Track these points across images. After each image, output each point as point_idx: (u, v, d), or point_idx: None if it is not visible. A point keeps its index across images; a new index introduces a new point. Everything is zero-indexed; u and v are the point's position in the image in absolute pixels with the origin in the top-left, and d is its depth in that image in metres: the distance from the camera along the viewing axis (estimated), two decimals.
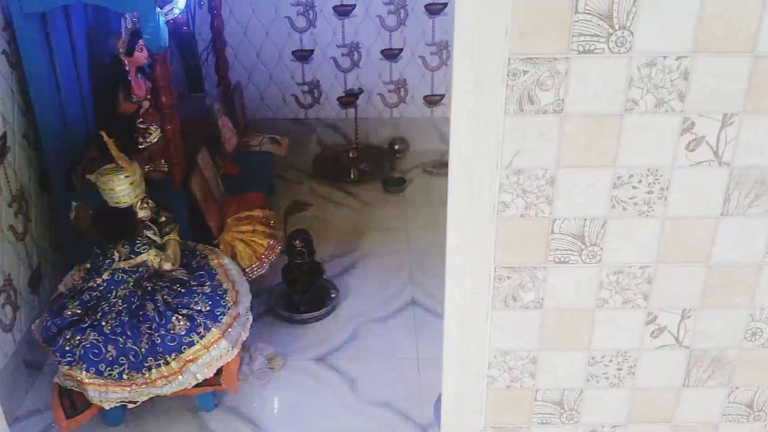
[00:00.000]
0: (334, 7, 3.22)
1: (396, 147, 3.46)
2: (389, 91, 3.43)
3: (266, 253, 2.47)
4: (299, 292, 2.52)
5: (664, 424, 1.40)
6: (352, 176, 3.31)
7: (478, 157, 1.18)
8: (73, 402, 2.01)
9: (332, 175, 3.33)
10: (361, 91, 3.33)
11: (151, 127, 2.51)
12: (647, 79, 1.12)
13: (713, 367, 1.35)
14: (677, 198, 1.20)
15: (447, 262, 1.31)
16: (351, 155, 3.38)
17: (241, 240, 2.46)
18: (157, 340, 1.98)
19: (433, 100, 3.46)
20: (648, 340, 1.33)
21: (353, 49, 3.32)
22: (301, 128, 3.47)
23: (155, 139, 2.52)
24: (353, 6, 3.22)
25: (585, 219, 1.22)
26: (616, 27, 1.08)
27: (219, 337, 2.03)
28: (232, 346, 2.05)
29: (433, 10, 3.24)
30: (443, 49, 3.33)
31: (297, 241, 2.49)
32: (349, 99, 3.37)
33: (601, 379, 1.37)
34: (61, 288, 2.17)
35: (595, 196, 1.20)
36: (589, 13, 1.07)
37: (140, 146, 2.51)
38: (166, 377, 1.99)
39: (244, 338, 2.12)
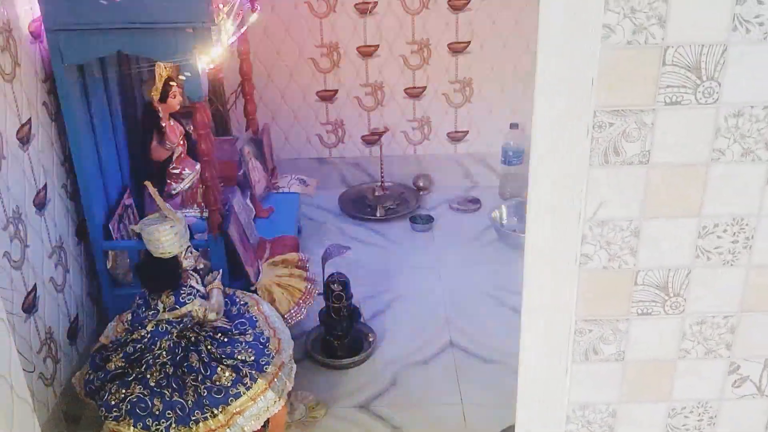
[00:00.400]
0: (358, 48, 3.24)
1: (420, 184, 3.45)
2: (413, 129, 3.44)
3: (304, 297, 2.43)
4: (338, 338, 2.48)
5: None
6: (378, 214, 3.30)
7: (560, 209, 1.16)
8: None
9: (358, 214, 3.32)
10: (385, 129, 3.33)
11: (184, 172, 2.50)
12: (734, 129, 1.10)
13: None
14: (762, 246, 1.18)
15: (523, 317, 1.28)
16: (376, 193, 3.37)
17: (278, 285, 2.42)
18: (203, 392, 1.94)
19: (457, 137, 3.46)
20: (729, 390, 1.30)
21: (377, 88, 3.33)
22: (325, 167, 3.47)
23: (188, 185, 2.51)
24: (377, 46, 3.23)
25: (669, 269, 1.20)
26: (704, 78, 1.07)
27: (266, 388, 1.98)
28: (279, 397, 2.00)
29: (456, 49, 3.26)
30: (466, 86, 3.34)
31: (335, 285, 2.46)
32: (374, 137, 3.37)
33: (681, 430, 1.34)
34: (103, 340, 2.13)
35: (680, 246, 1.18)
36: (677, 65, 1.06)
37: (173, 191, 2.50)
38: (213, 431, 1.93)
39: (290, 388, 2.07)
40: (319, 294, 2.49)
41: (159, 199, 2.03)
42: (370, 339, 2.55)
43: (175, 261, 2.01)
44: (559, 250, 1.19)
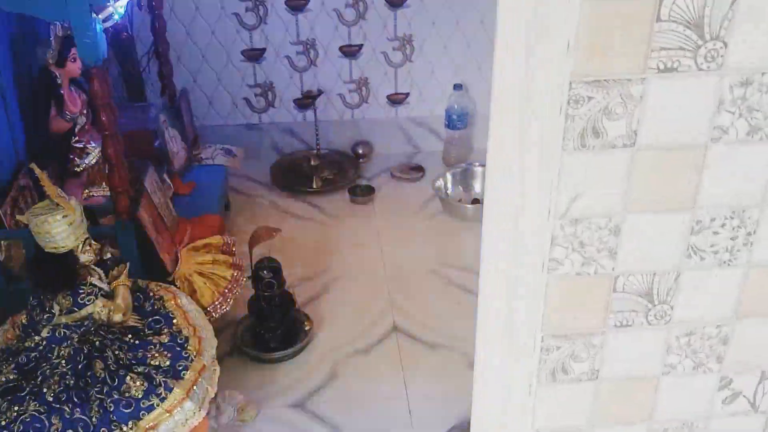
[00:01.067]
0: (287, 2, 2.92)
1: (360, 151, 3.19)
2: (350, 91, 3.15)
3: (230, 287, 2.15)
4: (270, 329, 2.23)
5: None
6: (314, 186, 3.03)
7: (524, 206, 0.92)
8: None
9: (292, 185, 3.04)
10: (320, 92, 3.04)
11: (89, 146, 2.18)
12: (740, 101, 0.88)
13: None
14: (766, 242, 0.97)
15: (478, 333, 1.06)
16: (312, 162, 3.09)
17: (200, 273, 2.14)
18: (110, 406, 1.66)
19: (398, 99, 3.19)
20: (719, 407, 1.10)
21: (309, 46, 3.03)
22: (254, 134, 3.16)
23: (94, 160, 2.19)
24: (307, 0, 2.93)
25: (655, 273, 0.98)
26: (707, 37, 0.84)
27: (183, 398, 1.71)
28: (199, 407, 1.73)
29: (394, 3, 2.97)
30: (406, 44, 3.06)
31: (265, 272, 2.19)
32: (307, 101, 3.08)
33: None
34: None
35: (668, 245, 0.96)
36: (674, 22, 0.82)
37: (77, 168, 2.18)
38: None
39: (212, 395, 1.79)
40: (248, 278, 2.23)
41: (48, 184, 1.71)
42: (306, 328, 2.30)
43: (70, 256, 1.71)
44: (522, 254, 0.95)
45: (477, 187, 2.96)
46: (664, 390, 1.08)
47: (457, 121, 3.08)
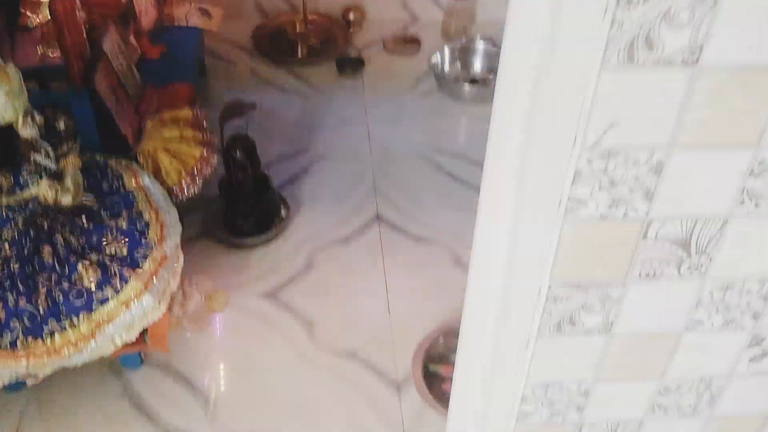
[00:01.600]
0: None
1: (351, 17, 2.88)
2: None
3: (199, 166, 1.95)
4: (242, 214, 2.05)
5: None
6: (299, 54, 2.76)
7: (544, 129, 0.71)
8: None
9: (275, 53, 2.76)
10: None
11: None
12: None
13: None
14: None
15: (472, 273, 0.87)
16: (298, 28, 2.80)
17: (166, 150, 1.92)
18: (59, 297, 1.51)
19: None
20: (745, 365, 0.94)
21: None
22: None
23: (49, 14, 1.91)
24: None
25: (697, 220, 0.79)
26: None
27: (141, 291, 1.56)
28: (159, 301, 1.59)
29: None
30: None
31: (237, 152, 1.98)
32: None
33: (672, 409, 0.99)
34: None
35: (719, 188, 0.76)
36: None
37: (30, 25, 1.89)
38: (74, 345, 1.53)
39: (174, 288, 1.65)
40: (218, 153, 2.02)
41: None
42: (282, 213, 2.12)
43: (8, 131, 1.49)
44: (536, 189, 0.75)
45: (477, 65, 2.71)
46: (684, 346, 0.91)
47: None
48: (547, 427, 0.99)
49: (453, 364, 1.62)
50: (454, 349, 1.67)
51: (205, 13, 2.42)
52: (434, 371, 1.75)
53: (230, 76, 2.66)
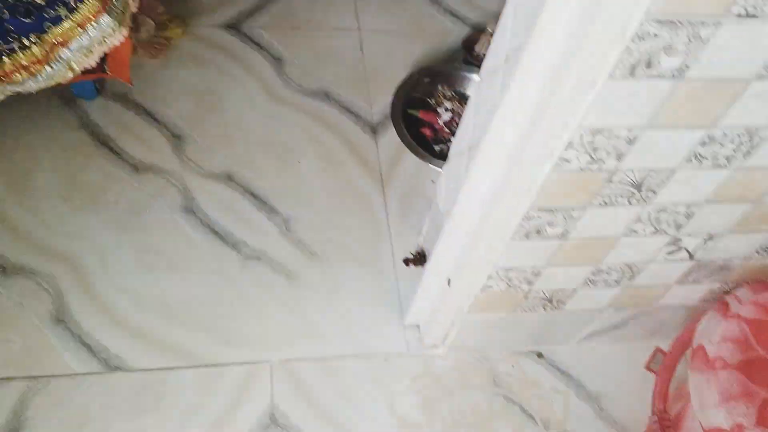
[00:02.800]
0: None
1: None
2: None
3: None
4: None
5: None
6: None
7: (548, 109, 0.87)
8: None
9: None
10: None
11: None
12: None
13: (716, 272, 1.31)
14: (764, 153, 1.00)
15: (464, 193, 1.08)
16: None
17: None
18: (4, 13, 1.47)
19: None
20: (662, 256, 1.24)
21: None
22: None
23: None
24: None
25: (651, 171, 1.00)
26: None
27: (98, 11, 1.53)
28: (120, 23, 1.57)
29: None
30: None
31: None
32: None
33: (599, 282, 1.30)
34: None
35: (675, 152, 0.97)
36: None
37: None
38: (26, 68, 1.52)
39: (134, 10, 1.64)
40: None
41: None
42: None
43: None
44: (531, 147, 0.93)
45: None
46: (620, 246, 1.18)
47: None
48: (502, 293, 1.29)
49: (432, 109, 1.84)
50: (431, 94, 1.85)
51: None
52: (412, 114, 1.88)
53: None
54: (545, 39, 0.83)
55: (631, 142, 0.95)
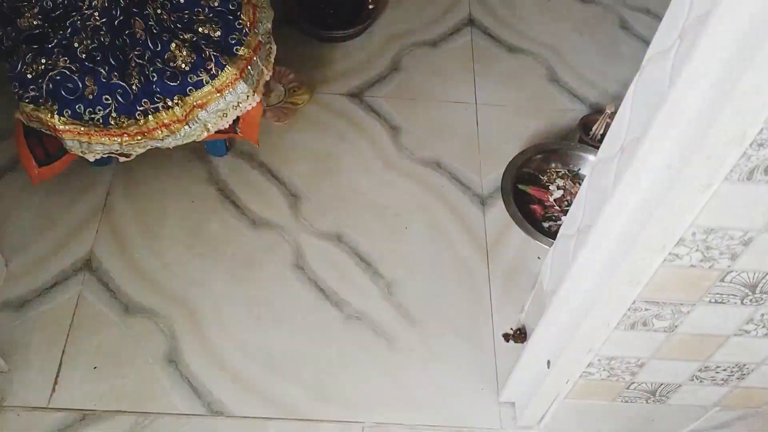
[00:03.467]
0: None
1: None
2: None
3: None
4: (330, 3, 2.11)
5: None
6: None
7: (662, 214, 0.86)
8: (45, 145, 1.69)
9: None
10: None
11: None
12: None
13: None
14: None
15: (570, 276, 1.07)
16: None
17: None
18: (153, 75, 1.58)
19: None
20: None
21: None
22: None
23: None
24: None
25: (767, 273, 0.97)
26: None
27: (236, 78, 1.63)
28: (254, 91, 1.67)
29: None
30: None
31: None
32: None
33: (706, 380, 1.26)
34: None
35: None
36: None
37: None
38: (167, 126, 1.62)
39: (267, 78, 1.74)
40: None
41: None
42: (370, 5, 2.18)
43: None
44: (643, 240, 0.92)
45: None
46: (730, 345, 1.14)
47: None
48: (603, 382, 1.27)
49: (543, 186, 1.84)
50: (544, 171, 1.86)
51: None
52: (523, 190, 1.88)
53: None
54: (663, 136, 0.82)
55: (746, 243, 0.92)
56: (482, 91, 2.10)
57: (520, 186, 1.89)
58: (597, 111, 2.06)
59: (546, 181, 1.93)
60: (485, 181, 1.92)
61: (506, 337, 1.63)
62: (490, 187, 1.91)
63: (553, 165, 1.94)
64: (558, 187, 1.91)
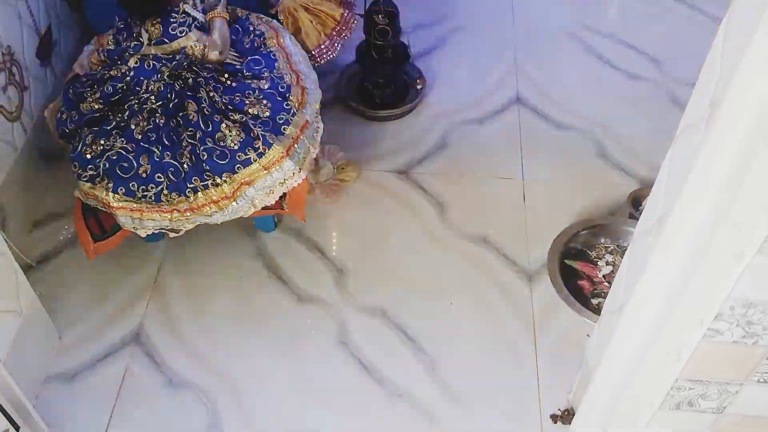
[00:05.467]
0: None
1: None
2: None
3: (338, 29, 2.01)
4: (379, 85, 2.13)
5: None
6: None
7: (692, 282, 0.80)
8: (101, 222, 1.72)
9: None
10: None
11: None
12: None
13: None
14: None
15: (611, 353, 1.00)
16: None
17: (306, 9, 1.97)
18: (203, 154, 1.60)
19: None
20: None
21: None
22: None
23: None
24: None
25: None
26: None
27: (283, 156, 1.64)
28: (299, 168, 1.68)
29: None
30: None
31: (380, 16, 2.02)
32: None
33: None
34: (77, 69, 1.77)
35: None
36: None
37: None
38: (216, 203, 1.63)
39: (314, 156, 1.75)
40: (360, 15, 2.06)
41: None
42: (418, 86, 2.19)
43: None
44: (678, 316, 0.86)
45: None
46: None
47: None
48: None
49: (591, 261, 1.78)
50: (592, 246, 1.80)
51: None
52: (570, 266, 1.83)
53: None
54: (691, 206, 0.77)
55: None
56: (529, 167, 2.06)
57: (567, 261, 1.83)
58: (647, 185, 2.00)
59: (594, 257, 1.86)
60: (532, 256, 1.87)
61: (554, 418, 1.55)
62: (537, 263, 1.86)
63: (602, 240, 1.88)
64: (607, 263, 1.84)
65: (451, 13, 2.42)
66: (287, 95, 1.70)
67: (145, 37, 1.61)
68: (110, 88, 1.66)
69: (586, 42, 2.36)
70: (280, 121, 1.67)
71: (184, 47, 1.63)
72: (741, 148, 0.70)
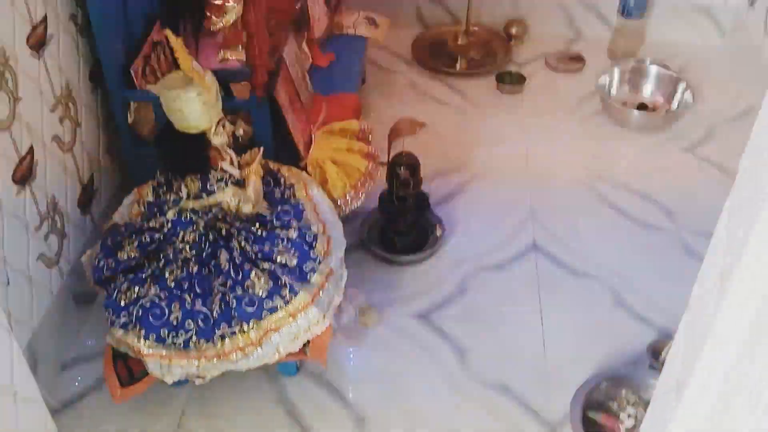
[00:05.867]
0: None
1: (512, 31, 2.97)
2: None
3: (363, 179, 2.10)
4: (400, 232, 2.20)
5: None
6: (458, 67, 2.88)
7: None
8: (130, 367, 1.74)
9: (434, 64, 2.88)
10: None
11: (227, 3, 2.02)
12: None
13: None
14: None
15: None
16: (459, 40, 2.91)
17: (334, 161, 2.08)
18: (233, 302, 1.64)
19: None
20: None
21: None
22: (398, 1, 2.94)
23: (232, 20, 2.05)
24: None
25: None
26: None
27: (308, 303, 1.68)
28: (324, 315, 1.70)
29: None
30: None
31: (402, 168, 2.12)
32: None
33: None
34: (117, 218, 1.84)
35: None
36: None
37: (213, 28, 2.05)
38: (242, 349, 1.66)
39: (338, 303, 1.78)
40: (382, 164, 2.16)
41: (182, 54, 1.59)
42: (438, 233, 2.26)
43: (202, 138, 1.64)
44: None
45: (647, 89, 2.71)
46: None
47: (633, 7, 2.81)
48: None
49: (614, 413, 1.75)
50: (615, 398, 1.78)
51: (372, 22, 2.52)
52: (593, 418, 1.79)
53: (389, 85, 2.78)
54: (708, 374, 0.79)
55: None
56: (548, 315, 2.09)
57: (589, 414, 1.82)
58: (665, 335, 2.01)
59: (617, 409, 1.84)
60: (554, 407, 1.86)
61: None
62: (560, 414, 1.84)
63: (623, 392, 1.87)
64: (629, 416, 1.82)
65: (468, 162, 2.52)
66: (314, 244, 1.76)
67: (184, 191, 1.68)
68: (148, 237, 1.72)
69: (598, 191, 2.44)
70: (307, 270, 1.72)
71: (219, 201, 1.70)
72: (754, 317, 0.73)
